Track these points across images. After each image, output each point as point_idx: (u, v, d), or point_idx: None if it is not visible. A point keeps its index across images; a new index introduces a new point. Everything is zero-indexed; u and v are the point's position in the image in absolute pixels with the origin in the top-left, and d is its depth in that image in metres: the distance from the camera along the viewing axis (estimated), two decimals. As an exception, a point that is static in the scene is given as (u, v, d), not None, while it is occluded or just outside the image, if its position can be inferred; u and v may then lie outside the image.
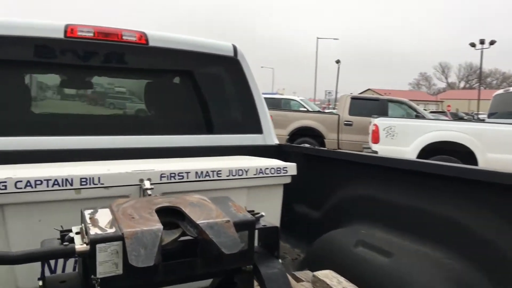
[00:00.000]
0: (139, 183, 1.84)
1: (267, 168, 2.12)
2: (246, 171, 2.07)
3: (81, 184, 1.74)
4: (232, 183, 2.05)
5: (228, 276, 1.80)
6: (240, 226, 1.47)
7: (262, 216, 1.59)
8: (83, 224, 1.36)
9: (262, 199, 2.13)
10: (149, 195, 1.77)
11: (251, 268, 1.55)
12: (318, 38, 43.08)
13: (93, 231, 1.31)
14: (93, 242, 1.27)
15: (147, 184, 1.82)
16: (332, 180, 2.49)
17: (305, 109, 14.50)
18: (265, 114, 2.97)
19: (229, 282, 1.87)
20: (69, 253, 1.25)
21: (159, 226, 1.37)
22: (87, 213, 1.44)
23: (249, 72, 2.94)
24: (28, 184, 1.65)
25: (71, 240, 1.31)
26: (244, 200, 2.09)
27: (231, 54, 2.89)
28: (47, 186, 1.69)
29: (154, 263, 1.26)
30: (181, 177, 1.93)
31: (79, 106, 2.97)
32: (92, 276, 1.27)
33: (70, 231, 1.37)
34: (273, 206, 2.19)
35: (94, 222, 1.37)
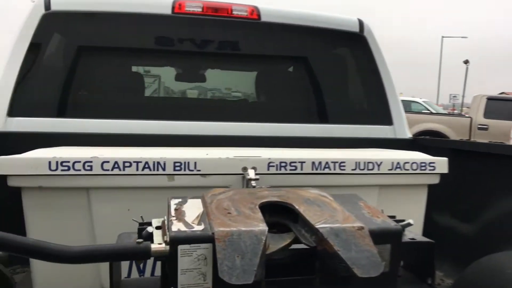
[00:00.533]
0: (241, 172, 1.49)
1: (407, 162, 1.61)
2: (379, 165, 1.58)
3: (174, 169, 1.44)
4: (359, 179, 1.58)
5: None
6: (379, 236, 1.01)
7: (409, 224, 1.10)
8: (165, 217, 1.03)
9: (399, 204, 1.61)
10: (253, 187, 1.40)
11: None
12: (443, 37, 39.38)
13: (176, 226, 0.97)
14: (174, 241, 0.93)
15: (251, 174, 1.46)
16: (495, 183, 1.85)
17: (428, 112, 13.12)
18: (396, 102, 2.43)
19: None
20: (142, 254, 0.93)
21: (263, 227, 0.98)
22: (173, 202, 1.12)
23: (377, 51, 2.42)
24: (116, 165, 1.40)
25: (149, 237, 0.99)
26: (373, 203, 1.60)
27: (356, 29, 2.41)
28: (137, 170, 1.42)
29: (255, 279, 0.87)
30: (293, 168, 1.53)
31: (182, 88, 2.77)
32: None
33: (151, 224, 1.06)
34: (414, 213, 1.65)
35: (180, 215, 1.04)
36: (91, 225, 1.43)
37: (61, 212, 1.42)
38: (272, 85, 2.62)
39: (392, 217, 1.14)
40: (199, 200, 1.14)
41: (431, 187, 1.68)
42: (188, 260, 0.93)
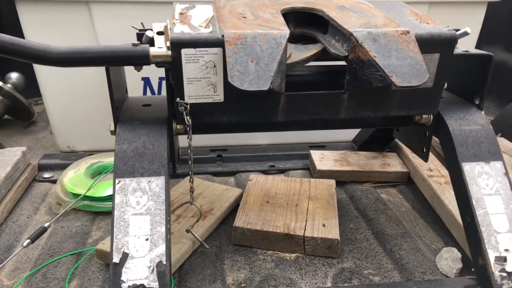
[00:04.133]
0: None
1: None
2: None
3: None
4: None
5: (387, 128, 1.22)
6: (428, 44, 0.82)
7: (466, 33, 0.89)
8: (168, 21, 0.86)
9: (451, 24, 1.37)
10: None
11: (430, 120, 0.94)
12: None
13: (179, 29, 0.81)
14: (177, 44, 0.78)
15: None
16: None
17: None
18: None
19: (385, 136, 1.31)
20: (138, 58, 0.79)
21: (284, 30, 0.80)
22: (179, 7, 0.94)
23: None
24: None
25: (150, 42, 0.84)
26: None
27: None
28: None
29: (272, 88, 0.73)
30: None
31: None
32: (178, 99, 0.81)
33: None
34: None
35: (185, 19, 0.87)
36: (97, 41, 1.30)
37: (62, 30, 1.28)
38: None
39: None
40: (210, 6, 0.96)
41: (490, 6, 1.41)
42: (194, 67, 0.80)
